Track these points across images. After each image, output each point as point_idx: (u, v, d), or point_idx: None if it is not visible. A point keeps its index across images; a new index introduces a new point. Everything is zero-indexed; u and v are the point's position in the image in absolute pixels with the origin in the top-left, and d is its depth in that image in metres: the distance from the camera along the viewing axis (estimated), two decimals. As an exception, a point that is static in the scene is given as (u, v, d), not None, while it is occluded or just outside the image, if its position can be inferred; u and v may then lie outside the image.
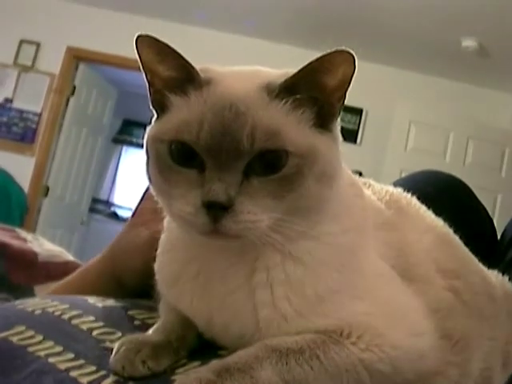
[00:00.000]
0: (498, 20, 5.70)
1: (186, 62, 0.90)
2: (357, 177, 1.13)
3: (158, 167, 0.90)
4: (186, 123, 0.87)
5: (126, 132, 10.91)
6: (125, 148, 11.14)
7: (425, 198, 1.27)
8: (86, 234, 9.09)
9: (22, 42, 7.46)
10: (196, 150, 0.86)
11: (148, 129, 0.95)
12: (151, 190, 0.96)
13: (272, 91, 0.89)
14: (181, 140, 0.87)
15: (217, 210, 0.82)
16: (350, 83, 0.90)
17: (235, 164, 0.84)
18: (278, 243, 0.89)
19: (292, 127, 0.88)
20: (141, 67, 0.93)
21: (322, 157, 0.89)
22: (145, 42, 0.90)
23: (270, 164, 0.85)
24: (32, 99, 7.39)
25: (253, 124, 0.85)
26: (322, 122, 0.92)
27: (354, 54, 0.86)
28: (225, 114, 0.85)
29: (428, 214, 1.24)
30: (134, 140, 10.83)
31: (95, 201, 10.25)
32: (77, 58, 7.54)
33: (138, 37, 0.89)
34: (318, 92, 0.90)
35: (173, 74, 0.92)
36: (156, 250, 1.09)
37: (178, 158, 0.88)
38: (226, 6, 6.69)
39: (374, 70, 6.87)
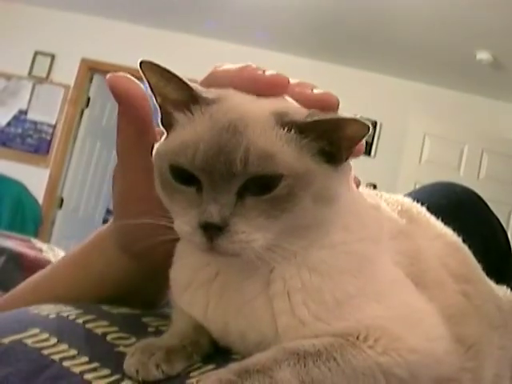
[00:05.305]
0: (512, 33, 5.71)
1: (187, 84, 0.90)
2: (370, 189, 1.13)
3: (161, 184, 0.91)
4: (185, 145, 0.86)
5: (140, 144, 10.87)
6: (138, 160, 11.11)
7: (438, 210, 1.27)
8: (99, 245, 9.07)
9: (36, 53, 7.52)
10: (191, 171, 0.86)
11: (155, 145, 0.96)
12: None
13: (283, 123, 0.87)
14: (178, 164, 0.87)
15: (212, 231, 0.83)
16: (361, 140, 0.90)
17: (229, 185, 0.84)
18: (287, 256, 0.90)
19: (290, 153, 0.86)
20: (149, 89, 0.94)
21: (318, 181, 0.88)
22: (147, 67, 0.90)
23: (263, 184, 0.85)
24: (46, 111, 7.43)
25: (247, 146, 0.83)
26: (327, 159, 0.90)
27: (369, 126, 0.86)
28: (222, 134, 0.84)
29: (437, 223, 1.24)
30: (148, 152, 10.81)
31: (109, 212, 10.26)
32: (91, 69, 7.59)
33: (141, 62, 0.90)
34: (327, 143, 0.88)
35: (177, 97, 0.92)
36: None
37: (177, 178, 0.88)
38: (239, 18, 6.72)
39: (389, 83, 6.87)
